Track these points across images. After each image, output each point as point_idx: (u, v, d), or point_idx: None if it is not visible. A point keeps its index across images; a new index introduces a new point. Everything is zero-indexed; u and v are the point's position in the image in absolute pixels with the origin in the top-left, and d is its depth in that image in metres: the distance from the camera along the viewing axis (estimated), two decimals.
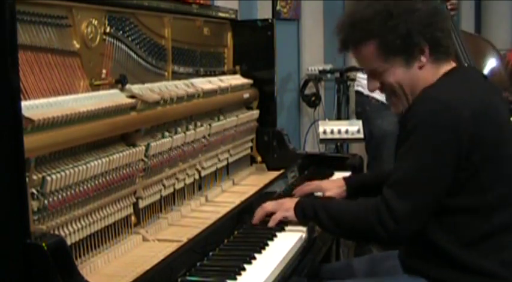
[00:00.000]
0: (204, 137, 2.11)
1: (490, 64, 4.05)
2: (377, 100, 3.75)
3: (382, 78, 1.76)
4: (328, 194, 2.13)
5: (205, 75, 2.36)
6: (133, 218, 1.72)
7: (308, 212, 1.82)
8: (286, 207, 1.86)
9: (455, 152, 1.61)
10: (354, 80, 3.90)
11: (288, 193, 2.23)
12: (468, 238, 1.67)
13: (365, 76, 3.82)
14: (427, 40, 1.69)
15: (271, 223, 1.85)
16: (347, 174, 2.58)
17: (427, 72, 1.73)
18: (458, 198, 1.65)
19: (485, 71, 4.04)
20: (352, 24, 1.73)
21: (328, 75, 4.10)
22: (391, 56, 1.71)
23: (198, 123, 2.10)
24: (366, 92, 3.79)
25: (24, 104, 1.25)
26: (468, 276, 1.67)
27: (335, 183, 2.18)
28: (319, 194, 2.17)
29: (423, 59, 1.71)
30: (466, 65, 3.87)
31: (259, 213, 1.89)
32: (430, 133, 1.62)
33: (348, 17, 1.78)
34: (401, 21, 1.67)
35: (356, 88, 3.86)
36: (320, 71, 3.99)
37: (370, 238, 1.86)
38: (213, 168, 2.22)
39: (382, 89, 1.80)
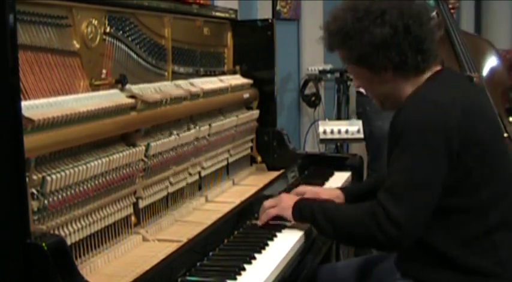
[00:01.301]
0: (204, 137, 2.11)
1: (490, 64, 4.05)
2: None
3: (355, 82, 1.83)
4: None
5: (205, 75, 2.36)
6: (133, 218, 1.72)
7: (305, 214, 1.79)
8: (284, 205, 1.84)
9: (448, 151, 1.60)
10: None
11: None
12: (463, 238, 1.66)
13: None
14: (389, 59, 1.68)
15: (264, 217, 1.85)
16: (347, 174, 2.58)
17: (401, 84, 1.73)
18: (452, 198, 1.64)
19: (485, 70, 4.04)
20: (326, 32, 1.81)
21: (328, 75, 4.10)
22: (357, 65, 1.75)
23: (198, 123, 2.11)
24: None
25: (24, 104, 1.25)
26: (464, 277, 1.66)
27: (332, 193, 2.10)
28: None
29: (388, 73, 1.71)
30: (466, 65, 3.89)
31: (262, 215, 1.88)
32: (421, 133, 1.60)
33: (324, 25, 1.84)
34: (356, 41, 1.69)
35: (356, 88, 3.86)
36: (320, 71, 3.98)
37: (368, 243, 1.84)
38: (213, 168, 2.22)
39: (364, 91, 1.83)
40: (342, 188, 2.14)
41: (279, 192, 2.24)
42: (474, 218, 1.66)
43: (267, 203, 1.89)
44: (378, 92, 1.80)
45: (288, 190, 2.27)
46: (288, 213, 1.83)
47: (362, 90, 3.73)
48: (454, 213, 1.66)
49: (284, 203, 1.85)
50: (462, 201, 1.65)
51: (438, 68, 1.76)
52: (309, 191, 2.11)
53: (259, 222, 1.88)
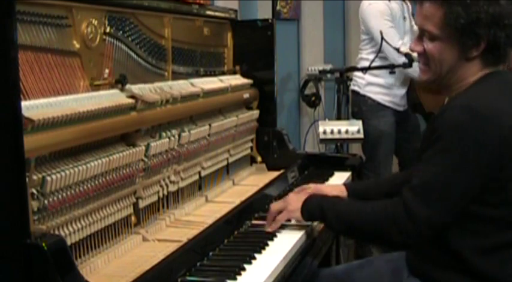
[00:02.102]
0: (204, 137, 2.10)
1: None
2: (373, 100, 3.75)
3: (428, 45, 1.71)
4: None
5: (205, 75, 2.36)
6: (133, 218, 1.72)
7: (315, 214, 1.79)
8: (292, 208, 1.83)
9: (487, 162, 1.58)
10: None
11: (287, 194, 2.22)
12: (484, 246, 1.65)
13: (362, 75, 3.81)
14: (488, 37, 1.64)
15: (274, 226, 1.83)
16: (347, 174, 2.58)
17: (470, 66, 1.69)
18: (480, 206, 1.63)
19: None
20: None
21: (328, 75, 4.09)
22: (448, 29, 1.66)
23: (198, 123, 2.10)
24: (362, 91, 3.78)
25: (24, 104, 1.25)
26: None
27: (335, 188, 2.12)
28: None
29: (474, 52, 1.67)
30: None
31: (272, 223, 1.85)
32: (464, 142, 1.58)
33: None
34: (475, 5, 1.62)
35: (352, 88, 3.85)
36: (320, 71, 3.98)
37: (385, 241, 1.80)
38: (213, 168, 2.22)
39: (420, 55, 1.74)
40: (345, 184, 2.16)
41: (279, 194, 2.25)
42: (498, 229, 1.65)
43: (274, 206, 1.88)
44: (441, 54, 1.70)
45: (287, 192, 2.27)
46: (297, 216, 1.83)
47: (359, 90, 3.74)
48: (479, 221, 1.64)
49: (292, 205, 1.84)
50: (490, 211, 1.63)
51: (498, 68, 1.73)
52: (312, 187, 2.12)
53: (269, 229, 1.85)
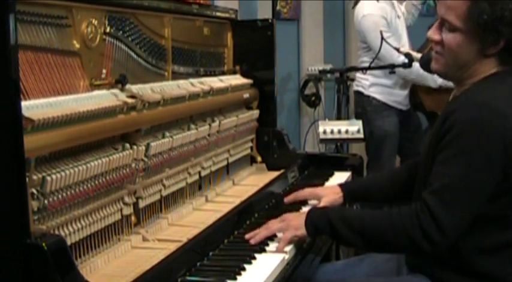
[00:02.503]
0: (204, 137, 2.10)
1: None
2: (378, 100, 3.75)
3: (447, 35, 1.68)
4: (324, 200, 2.05)
5: (205, 75, 2.36)
6: (133, 218, 1.72)
7: (323, 228, 1.71)
8: (295, 225, 1.73)
9: (504, 162, 1.57)
10: (353, 80, 3.90)
11: (287, 194, 2.22)
12: (485, 245, 1.65)
13: (364, 76, 3.81)
14: (510, 35, 1.62)
15: (281, 245, 1.70)
16: (347, 174, 2.58)
17: (486, 63, 1.68)
18: (487, 206, 1.61)
19: None
20: None
21: (328, 75, 4.09)
22: (470, 23, 1.63)
23: (198, 123, 2.10)
24: (366, 92, 3.78)
25: (24, 104, 1.25)
26: (476, 281, 1.66)
27: (331, 190, 2.11)
28: (313, 201, 2.10)
29: (493, 50, 1.65)
30: None
31: (262, 234, 1.74)
32: (480, 140, 1.56)
33: None
34: (501, 2, 1.60)
35: (356, 88, 3.86)
36: (320, 71, 3.98)
37: (408, 250, 1.73)
38: (213, 168, 2.22)
39: (437, 43, 1.71)
40: (340, 185, 2.13)
41: (278, 194, 2.25)
42: (500, 228, 1.65)
43: (274, 226, 1.76)
44: (459, 46, 1.67)
45: (287, 192, 2.27)
46: (301, 232, 1.73)
47: (363, 90, 3.74)
48: (481, 221, 1.63)
49: (293, 222, 1.75)
50: (494, 210, 1.62)
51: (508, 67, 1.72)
52: (308, 192, 2.12)
53: (253, 240, 1.73)
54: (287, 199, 2.13)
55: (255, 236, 1.75)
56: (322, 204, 2.03)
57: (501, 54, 1.66)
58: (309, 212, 1.77)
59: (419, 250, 1.61)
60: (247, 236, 1.76)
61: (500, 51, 1.65)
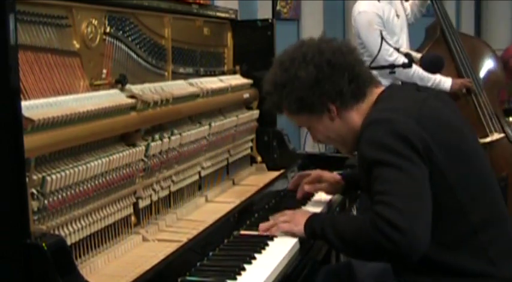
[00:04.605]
0: (204, 137, 2.10)
1: (487, 65, 4.08)
2: None
3: (311, 132, 1.86)
4: (325, 186, 2.18)
5: (205, 75, 2.36)
6: (133, 218, 1.72)
7: (317, 230, 1.74)
8: (296, 221, 1.80)
9: (417, 155, 1.59)
10: None
11: (287, 194, 2.23)
12: (451, 241, 1.65)
13: None
14: (325, 95, 1.74)
15: (274, 230, 1.81)
16: None
17: (348, 115, 1.77)
18: (445, 198, 1.63)
19: (482, 71, 4.07)
20: (266, 95, 1.86)
21: None
22: (299, 114, 1.80)
23: (198, 123, 2.11)
24: None
25: (24, 104, 1.25)
26: (458, 279, 1.65)
27: (335, 177, 2.21)
28: (316, 198, 2.15)
29: (332, 111, 1.76)
30: (462, 66, 3.91)
31: (272, 228, 1.83)
32: (388, 148, 1.59)
33: (263, 90, 1.89)
34: (290, 89, 1.75)
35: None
36: None
37: (379, 255, 1.67)
38: (213, 168, 2.22)
39: (330, 142, 1.89)
40: (342, 174, 2.23)
41: (278, 194, 2.25)
42: (457, 221, 1.65)
43: (281, 217, 1.85)
44: (334, 135, 1.82)
45: (287, 192, 2.28)
46: (299, 229, 1.78)
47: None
48: (438, 218, 1.61)
49: (297, 220, 1.81)
50: (443, 205, 1.62)
51: (380, 89, 1.81)
52: (313, 173, 2.22)
53: (261, 230, 1.83)
54: (291, 182, 2.27)
55: (264, 224, 1.85)
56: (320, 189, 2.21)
57: (343, 101, 1.76)
58: (311, 216, 1.81)
59: (387, 254, 1.58)
60: (260, 226, 1.84)
61: (341, 101, 1.75)
